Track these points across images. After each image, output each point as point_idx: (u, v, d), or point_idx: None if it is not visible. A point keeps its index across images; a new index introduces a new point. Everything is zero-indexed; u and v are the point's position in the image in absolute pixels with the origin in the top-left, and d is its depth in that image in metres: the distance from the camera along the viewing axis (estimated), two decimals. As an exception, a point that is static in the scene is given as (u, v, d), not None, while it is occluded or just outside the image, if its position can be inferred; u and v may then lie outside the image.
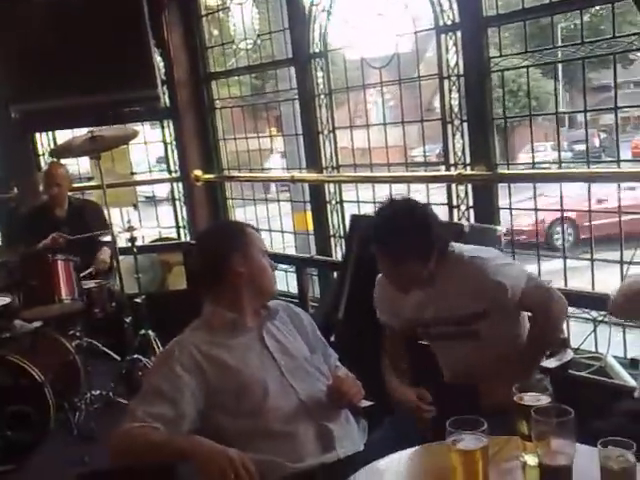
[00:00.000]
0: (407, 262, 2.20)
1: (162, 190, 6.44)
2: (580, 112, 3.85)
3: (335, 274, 4.08)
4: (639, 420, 1.87)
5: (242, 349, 2.01)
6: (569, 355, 2.41)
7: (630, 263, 2.71)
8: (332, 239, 4.25)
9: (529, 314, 2.33)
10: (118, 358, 4.29)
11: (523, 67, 3.23)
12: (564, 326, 2.36)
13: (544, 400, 1.56)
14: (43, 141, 5.33)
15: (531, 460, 1.53)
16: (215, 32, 5.05)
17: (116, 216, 4.33)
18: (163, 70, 4.77)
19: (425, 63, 4.06)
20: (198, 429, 1.89)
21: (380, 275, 2.39)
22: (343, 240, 4.11)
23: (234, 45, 4.58)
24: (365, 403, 2.09)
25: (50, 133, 5.29)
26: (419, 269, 2.22)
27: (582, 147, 9.64)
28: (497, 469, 1.50)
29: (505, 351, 2.24)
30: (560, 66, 3.29)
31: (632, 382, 2.65)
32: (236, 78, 4.97)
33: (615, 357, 2.82)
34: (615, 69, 2.99)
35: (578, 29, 3.08)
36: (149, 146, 5.50)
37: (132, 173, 5.75)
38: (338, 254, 4.19)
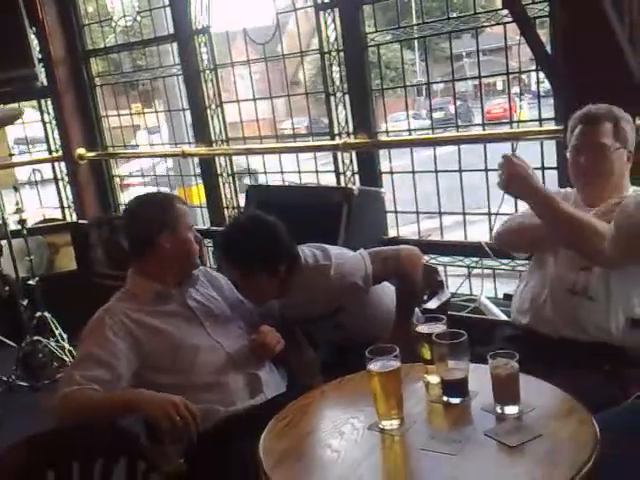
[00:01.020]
0: (254, 273, 2.30)
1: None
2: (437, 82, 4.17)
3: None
4: (514, 341, 2.23)
5: (169, 315, 2.19)
6: (447, 295, 2.73)
7: (497, 214, 3.10)
8: (225, 210, 4.40)
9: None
10: (13, 344, 4.26)
11: (393, 42, 3.53)
12: (420, 272, 2.46)
13: (440, 328, 1.86)
14: None
15: (433, 379, 1.83)
16: (90, 9, 4.99)
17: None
18: (38, 49, 4.67)
19: (287, 37, 4.29)
20: (133, 387, 2.06)
21: None
22: (236, 211, 4.28)
23: (112, 22, 4.57)
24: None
25: None
26: (267, 280, 2.32)
27: (440, 115, 10.39)
28: (405, 390, 1.78)
29: (372, 324, 2.43)
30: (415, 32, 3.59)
31: (504, 317, 3.03)
32: (116, 55, 4.94)
33: (488, 297, 3.22)
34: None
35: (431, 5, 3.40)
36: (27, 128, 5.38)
37: (10, 155, 5.61)
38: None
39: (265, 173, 4.14)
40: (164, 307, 2.20)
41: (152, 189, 4.98)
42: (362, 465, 1.55)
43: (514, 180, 2.09)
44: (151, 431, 1.98)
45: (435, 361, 1.79)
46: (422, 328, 1.88)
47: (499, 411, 1.65)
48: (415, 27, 3.55)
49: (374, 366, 1.67)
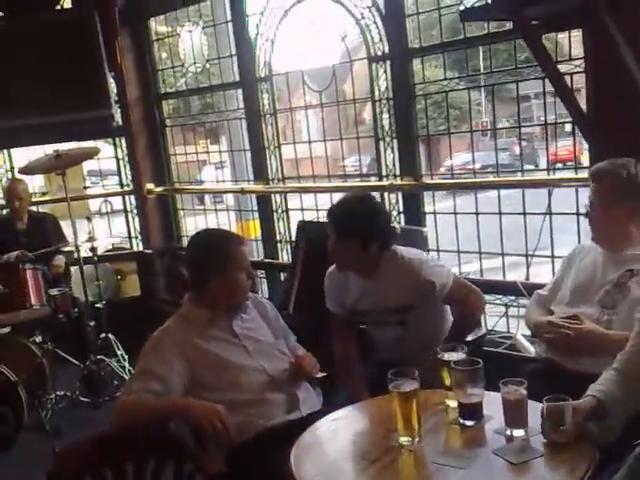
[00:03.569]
0: (348, 240, 2.57)
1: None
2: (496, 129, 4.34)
3: (282, 275, 4.51)
4: (539, 376, 2.38)
5: (217, 339, 2.43)
6: (482, 331, 2.91)
7: (533, 255, 3.26)
8: (279, 244, 4.68)
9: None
10: (78, 364, 4.55)
11: (443, 92, 3.74)
12: (481, 312, 2.83)
13: (460, 356, 2.04)
14: (-1, 158, 5.58)
15: (452, 403, 2.01)
16: (164, 55, 5.41)
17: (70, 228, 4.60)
18: (116, 91, 5.09)
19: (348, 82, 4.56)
20: (183, 399, 2.31)
21: (330, 269, 2.82)
22: (288, 245, 4.55)
23: (184, 68, 4.96)
24: (320, 375, 2.54)
25: (5, 151, 5.53)
26: (358, 252, 2.59)
27: (504, 155, 10.38)
28: (427, 412, 1.97)
29: (428, 336, 2.67)
30: (482, 79, 3.78)
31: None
32: (185, 98, 5.34)
33: (524, 335, 3.34)
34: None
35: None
36: (101, 161, 5.82)
37: (85, 187, 6.07)
38: (284, 258, 4.61)
39: (317, 210, 4.40)
40: (213, 332, 2.44)
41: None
42: (383, 471, 1.75)
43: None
44: (198, 437, 2.21)
45: (453, 386, 1.97)
46: (443, 355, 2.07)
47: (508, 433, 1.82)
48: (482, 75, 3.76)
49: (397, 386, 1.87)
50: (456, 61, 5.16)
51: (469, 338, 2.85)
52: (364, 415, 2.14)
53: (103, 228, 6.10)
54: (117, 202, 5.80)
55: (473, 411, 1.93)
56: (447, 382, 2.04)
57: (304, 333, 2.93)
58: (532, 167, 3.91)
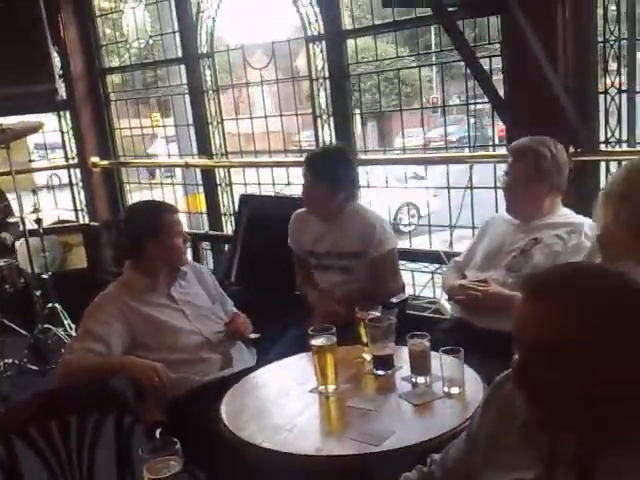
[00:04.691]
0: (320, 184, 2.90)
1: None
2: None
3: (226, 247, 4.69)
4: (451, 333, 2.64)
5: (156, 304, 2.61)
6: (405, 295, 3.14)
7: (455, 226, 3.52)
8: (223, 217, 4.84)
9: None
10: (26, 333, 4.66)
11: (374, 72, 3.93)
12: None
13: (376, 313, 2.27)
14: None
15: (367, 356, 2.25)
16: (108, 31, 5.46)
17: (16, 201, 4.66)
18: (60, 65, 5.14)
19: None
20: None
21: (297, 211, 3.14)
22: (232, 218, 4.71)
23: (127, 44, 5.03)
24: (253, 335, 2.75)
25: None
26: (327, 197, 2.92)
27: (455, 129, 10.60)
28: (345, 364, 2.20)
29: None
30: (434, 55, 3.94)
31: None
32: (129, 73, 5.40)
33: (448, 300, 3.59)
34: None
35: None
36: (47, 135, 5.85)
37: (30, 161, 6.09)
38: (228, 230, 4.78)
39: (258, 184, 4.57)
40: (152, 297, 2.62)
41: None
42: (301, 415, 1.97)
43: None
44: (138, 392, 2.40)
45: (368, 341, 2.20)
46: (360, 314, 2.29)
47: (413, 380, 2.07)
48: (434, 54, 3.93)
49: (315, 341, 2.09)
50: (409, 37, 5.28)
51: (394, 300, 3.09)
52: (291, 368, 2.35)
53: (50, 202, 6.15)
54: (64, 176, 5.84)
55: (384, 362, 2.17)
56: (364, 338, 2.28)
57: (244, 299, 3.14)
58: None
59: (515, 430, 1.19)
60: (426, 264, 3.73)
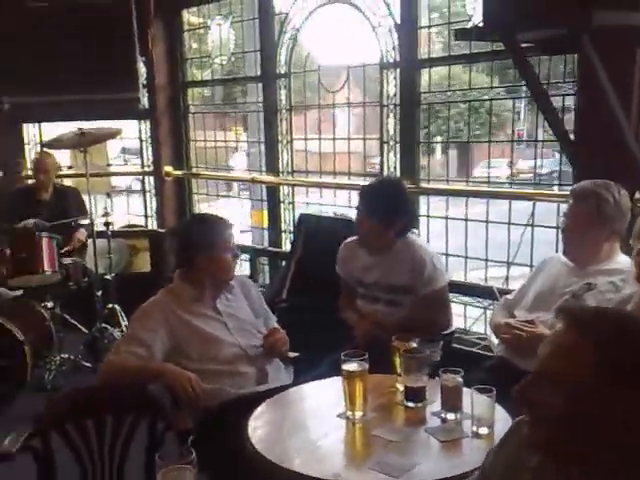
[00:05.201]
0: (373, 219, 2.87)
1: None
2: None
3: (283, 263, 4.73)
4: (492, 371, 2.57)
5: (200, 314, 2.65)
6: (451, 329, 3.07)
7: (512, 263, 3.45)
8: (283, 234, 4.89)
9: None
10: (85, 330, 4.80)
11: (448, 102, 3.92)
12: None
13: (413, 344, 2.23)
14: (30, 132, 5.86)
15: (400, 386, 2.21)
16: (194, 45, 5.66)
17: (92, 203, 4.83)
18: (145, 76, 5.35)
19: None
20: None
21: (348, 239, 3.11)
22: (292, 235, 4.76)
23: (210, 59, 5.20)
24: (292, 354, 2.76)
25: (37, 125, 5.82)
26: (379, 232, 2.88)
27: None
28: (378, 393, 2.18)
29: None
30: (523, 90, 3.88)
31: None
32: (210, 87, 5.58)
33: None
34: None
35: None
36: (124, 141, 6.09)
37: (108, 165, 6.35)
38: (287, 247, 4.82)
39: (320, 205, 4.61)
40: (198, 307, 2.67)
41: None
42: (325, 438, 1.96)
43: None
44: (174, 399, 2.44)
45: (401, 371, 2.17)
46: (397, 343, 2.26)
47: (443, 415, 2.02)
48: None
49: (346, 366, 2.07)
50: (499, 67, 5.22)
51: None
52: (324, 390, 2.34)
53: (123, 206, 6.36)
54: (138, 182, 6.06)
55: (416, 394, 2.13)
56: (398, 368, 2.25)
57: (291, 318, 3.15)
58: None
59: (530, 471, 1.19)
60: (479, 299, 3.66)
